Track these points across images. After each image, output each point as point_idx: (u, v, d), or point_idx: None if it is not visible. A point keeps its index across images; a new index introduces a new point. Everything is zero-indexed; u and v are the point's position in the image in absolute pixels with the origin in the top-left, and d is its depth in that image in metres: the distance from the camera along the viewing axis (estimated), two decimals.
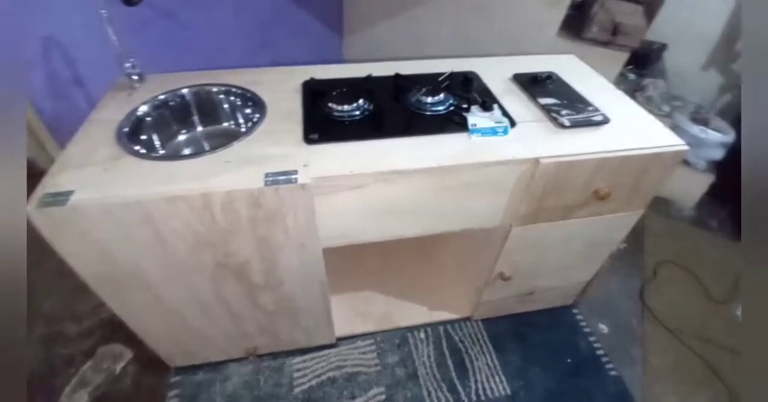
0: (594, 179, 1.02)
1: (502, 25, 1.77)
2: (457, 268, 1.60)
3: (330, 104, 1.01)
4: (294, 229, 0.91)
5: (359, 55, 1.75)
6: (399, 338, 1.43)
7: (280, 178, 0.82)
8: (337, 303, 1.45)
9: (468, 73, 1.20)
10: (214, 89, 1.11)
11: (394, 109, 1.05)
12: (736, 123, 2.06)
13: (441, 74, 1.17)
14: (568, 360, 1.48)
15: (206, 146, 1.11)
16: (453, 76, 1.17)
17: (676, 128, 1.90)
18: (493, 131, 0.97)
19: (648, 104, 1.90)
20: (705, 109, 1.98)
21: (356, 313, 1.43)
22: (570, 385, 1.40)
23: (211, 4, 1.56)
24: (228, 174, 0.83)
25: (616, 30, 1.79)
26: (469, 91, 1.12)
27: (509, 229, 1.10)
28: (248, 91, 1.10)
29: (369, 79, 1.15)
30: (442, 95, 1.06)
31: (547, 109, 1.06)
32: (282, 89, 1.11)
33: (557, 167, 0.94)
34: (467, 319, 1.51)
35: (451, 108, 1.05)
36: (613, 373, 1.46)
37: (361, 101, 1.02)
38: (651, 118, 1.11)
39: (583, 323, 1.60)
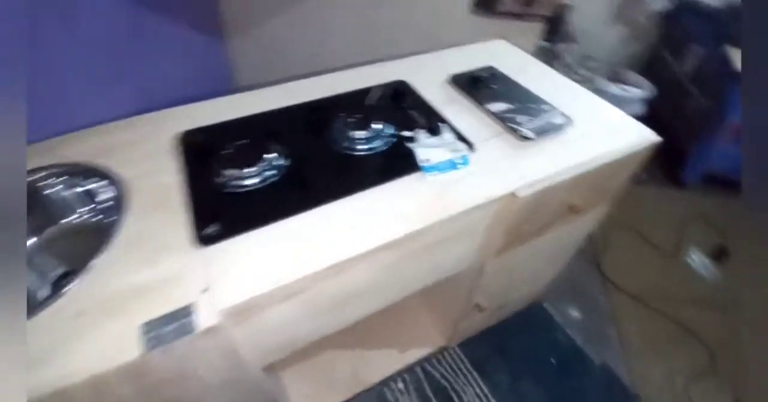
0: (571, 196, 0.86)
1: (410, 7, 1.53)
2: (424, 302, 1.42)
3: (226, 170, 0.70)
4: (212, 376, 0.63)
5: (250, 62, 1.41)
6: (375, 397, 1.23)
7: (166, 331, 0.51)
8: (295, 378, 1.20)
9: (396, 85, 0.96)
10: (37, 179, 0.69)
11: (316, 157, 0.77)
12: (647, 73, 2.07)
13: (363, 91, 0.92)
14: (552, 360, 1.40)
15: (43, 281, 0.69)
16: (379, 91, 0.92)
17: (597, 91, 1.84)
18: (451, 165, 0.75)
19: (568, 72, 1.81)
20: (619, 65, 1.95)
21: (320, 383, 1.20)
22: (563, 389, 1.32)
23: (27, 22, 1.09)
24: (81, 343, 0.50)
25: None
26: (404, 110, 0.88)
27: (484, 264, 0.93)
28: (94, 169, 0.71)
29: (274, 115, 0.86)
30: (375, 126, 0.80)
31: (501, 119, 0.87)
32: (149, 152, 0.76)
33: (535, 196, 0.76)
34: (444, 349, 1.35)
35: (392, 140, 0.81)
36: (597, 362, 1.40)
37: (270, 156, 0.73)
38: (610, 107, 0.97)
39: (555, 315, 1.53)
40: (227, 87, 1.44)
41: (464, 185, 0.73)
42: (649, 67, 2.24)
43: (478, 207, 0.71)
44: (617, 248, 1.79)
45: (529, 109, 0.90)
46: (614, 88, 1.82)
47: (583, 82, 1.78)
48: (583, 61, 1.94)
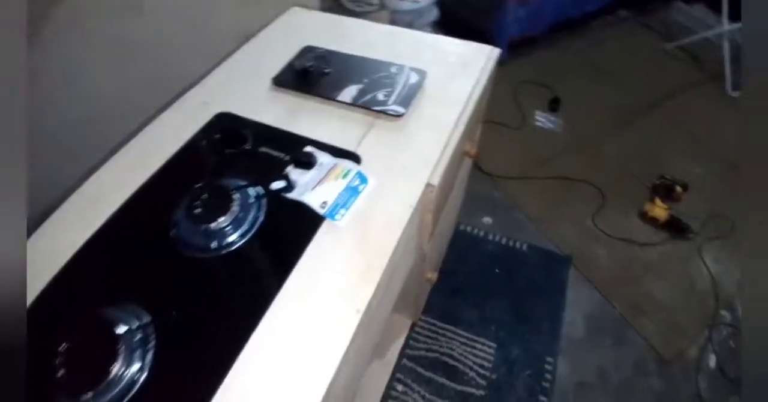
0: (465, 144, 0.81)
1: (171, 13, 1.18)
2: None
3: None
4: None
5: None
6: None
7: None
8: None
9: (220, 122, 0.73)
10: None
11: (184, 293, 0.54)
12: None
13: (182, 154, 0.69)
14: (497, 270, 1.49)
15: None
16: (203, 141, 0.70)
17: (395, 14, 1.77)
18: (352, 192, 0.62)
19: (360, 5, 1.68)
20: None
21: None
22: (518, 286, 1.44)
23: None
24: None
25: None
26: (251, 152, 0.68)
27: (424, 249, 0.86)
28: None
29: (89, 259, 0.58)
30: (234, 198, 0.59)
31: (362, 106, 0.74)
32: None
33: (446, 170, 0.69)
34: (413, 326, 1.33)
35: (264, 203, 0.62)
36: (525, 247, 1.54)
37: (121, 337, 0.49)
38: (441, 39, 0.90)
39: (474, 230, 1.59)
40: None
41: (380, 207, 0.62)
42: None
43: (410, 220, 0.61)
44: (483, 147, 1.89)
45: (379, 81, 0.78)
46: (408, 4, 1.76)
47: (379, 10, 1.68)
48: None
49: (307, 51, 0.85)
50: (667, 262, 1.53)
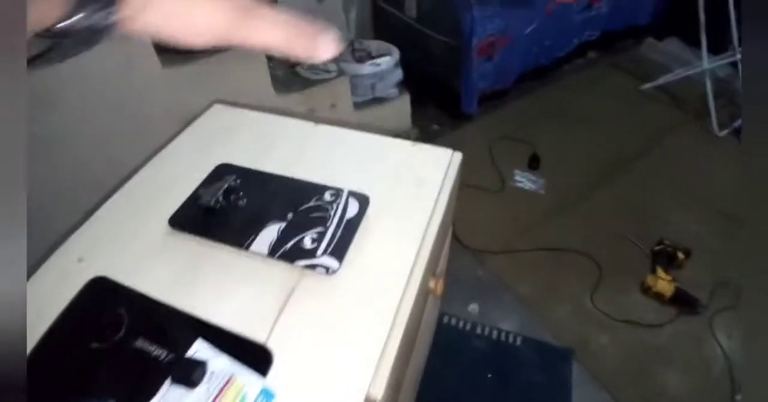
0: (425, 281, 0.62)
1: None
2: None
3: None
4: None
5: None
6: None
7: None
8: None
9: (99, 289, 0.54)
10: None
11: None
12: (380, 35, 1.94)
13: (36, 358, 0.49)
14: (489, 376, 1.28)
15: None
16: (71, 335, 0.50)
17: (355, 78, 1.64)
18: None
19: (317, 72, 1.55)
20: (358, 43, 1.76)
21: None
22: (521, 396, 1.22)
23: None
24: None
25: None
26: (118, 350, 0.49)
27: None
28: None
29: None
30: None
31: (284, 257, 0.55)
32: None
33: (391, 372, 0.49)
34: None
35: None
36: (518, 341, 1.34)
37: None
38: (394, 143, 0.73)
39: (460, 323, 1.39)
40: None
41: None
42: (378, 29, 2.14)
43: None
44: (460, 216, 1.72)
45: (309, 215, 0.60)
46: (368, 68, 1.64)
47: (338, 76, 1.56)
48: None
49: (221, 172, 0.67)
50: (678, 345, 1.34)
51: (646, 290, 1.44)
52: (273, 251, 0.56)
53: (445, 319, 1.39)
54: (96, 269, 0.55)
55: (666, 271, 1.44)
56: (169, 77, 1.32)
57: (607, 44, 2.57)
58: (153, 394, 0.43)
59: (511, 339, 1.32)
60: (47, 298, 0.52)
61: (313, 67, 1.61)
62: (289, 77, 1.60)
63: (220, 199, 0.61)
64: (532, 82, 2.31)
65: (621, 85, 2.38)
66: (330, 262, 0.54)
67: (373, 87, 1.75)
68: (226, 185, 0.63)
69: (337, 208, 0.61)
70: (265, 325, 0.50)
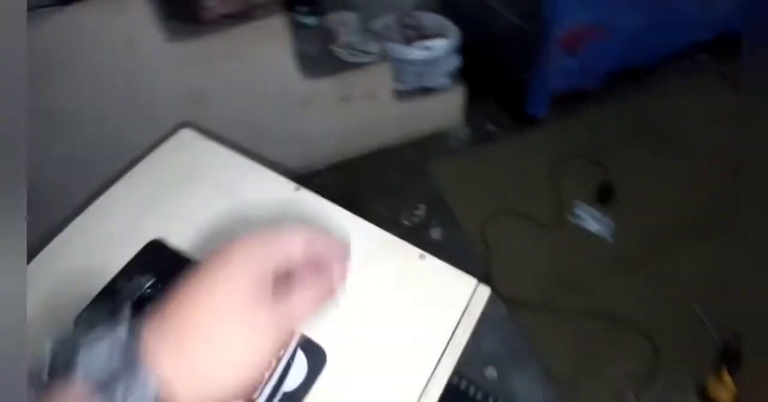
0: None
1: None
2: None
3: None
4: None
5: None
6: None
7: None
8: None
9: None
10: None
11: None
12: (444, 10, 1.56)
13: None
14: None
15: None
16: None
17: (399, 63, 1.32)
18: None
19: (353, 56, 1.24)
20: (410, 17, 1.41)
21: None
22: None
23: None
24: None
25: None
26: None
27: None
28: None
29: None
30: None
31: None
32: None
33: None
34: None
35: None
36: None
37: None
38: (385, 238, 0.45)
39: (471, 390, 1.14)
40: None
41: None
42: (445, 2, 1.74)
43: None
44: (500, 251, 1.40)
45: None
46: (416, 52, 1.31)
47: (379, 61, 1.25)
48: (367, 30, 1.37)
49: (148, 255, 0.43)
50: None
51: (702, 393, 1.12)
52: None
53: (455, 380, 1.14)
54: None
55: (732, 374, 1.11)
56: (173, 53, 1.08)
57: (720, 48, 2.03)
58: None
59: None
60: None
61: (351, 47, 1.29)
62: (323, 57, 1.30)
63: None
64: (621, 85, 1.86)
65: (732, 101, 1.88)
66: None
67: (421, 74, 1.41)
68: (145, 288, 0.40)
69: (273, 372, 0.34)
70: None
